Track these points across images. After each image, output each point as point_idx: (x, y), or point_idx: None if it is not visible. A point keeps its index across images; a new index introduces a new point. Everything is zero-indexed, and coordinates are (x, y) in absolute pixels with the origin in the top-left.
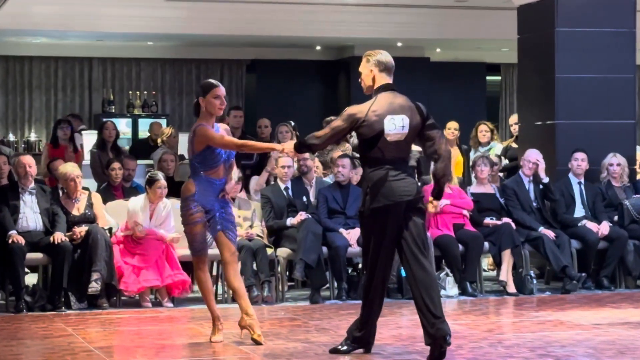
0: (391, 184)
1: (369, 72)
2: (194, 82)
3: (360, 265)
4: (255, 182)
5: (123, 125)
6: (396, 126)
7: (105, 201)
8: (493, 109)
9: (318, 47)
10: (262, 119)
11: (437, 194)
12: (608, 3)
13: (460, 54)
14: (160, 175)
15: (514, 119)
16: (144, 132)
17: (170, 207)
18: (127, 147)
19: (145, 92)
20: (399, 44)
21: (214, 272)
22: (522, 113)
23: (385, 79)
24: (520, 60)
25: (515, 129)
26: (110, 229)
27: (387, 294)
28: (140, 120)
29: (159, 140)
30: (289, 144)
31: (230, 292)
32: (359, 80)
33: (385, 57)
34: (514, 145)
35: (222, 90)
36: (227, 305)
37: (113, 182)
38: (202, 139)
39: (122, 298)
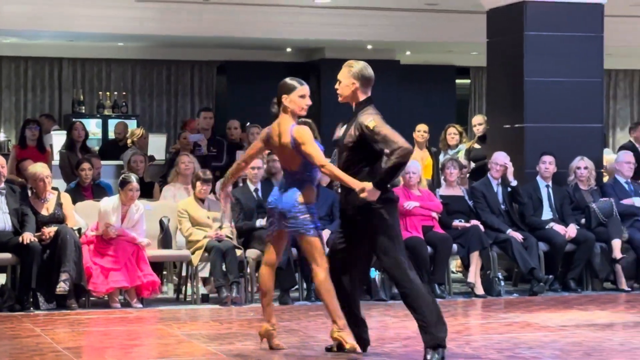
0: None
1: (351, 84)
2: (164, 83)
3: None
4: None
5: (93, 126)
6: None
7: (74, 201)
8: (462, 112)
9: (288, 49)
10: (232, 121)
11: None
12: (576, 8)
13: (430, 57)
14: (133, 177)
15: (477, 119)
16: (114, 133)
17: (143, 209)
18: (96, 148)
19: (116, 93)
20: (369, 47)
21: (183, 273)
22: (491, 116)
23: (367, 93)
24: (489, 63)
25: (478, 129)
26: (79, 230)
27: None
28: (110, 121)
29: (129, 141)
30: (368, 185)
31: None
32: (336, 86)
33: (369, 71)
34: (477, 146)
35: (307, 89)
36: (197, 306)
37: (83, 183)
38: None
39: (91, 299)
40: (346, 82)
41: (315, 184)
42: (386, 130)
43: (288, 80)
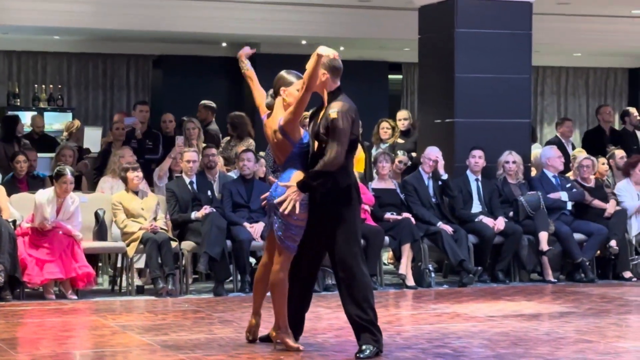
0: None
1: (322, 74)
2: (100, 76)
3: None
4: (159, 168)
5: (28, 119)
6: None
7: (9, 193)
8: (395, 107)
9: (224, 44)
10: (167, 114)
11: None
12: (506, 6)
13: (363, 53)
14: (67, 170)
15: (401, 114)
16: (49, 126)
17: (79, 202)
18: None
19: (51, 86)
20: (304, 42)
21: (118, 265)
22: (423, 111)
23: (337, 82)
24: (421, 59)
25: (403, 124)
26: (14, 222)
27: None
28: (46, 114)
29: (64, 134)
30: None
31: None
32: (304, 76)
33: (339, 62)
34: (400, 141)
35: None
36: (132, 298)
37: (18, 175)
38: None
39: (26, 290)
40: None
41: (298, 165)
42: (340, 130)
43: (285, 73)
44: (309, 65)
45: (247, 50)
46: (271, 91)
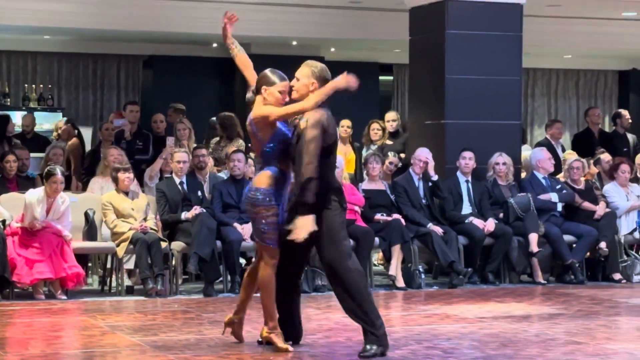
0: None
1: (311, 84)
2: (91, 76)
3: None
4: (150, 168)
5: (18, 118)
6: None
7: None
8: (385, 108)
9: (215, 45)
10: (157, 114)
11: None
12: (496, 7)
13: (354, 54)
14: (57, 170)
15: (390, 116)
16: (39, 126)
17: (69, 202)
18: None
19: (42, 86)
20: (294, 43)
21: (108, 265)
22: (413, 112)
23: None
24: (411, 61)
25: (392, 125)
26: (4, 221)
27: None
28: (36, 114)
29: (54, 134)
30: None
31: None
32: (292, 83)
33: (329, 74)
34: (389, 142)
35: (287, 85)
36: (121, 298)
37: (7, 175)
38: None
39: (15, 290)
40: (305, 82)
41: (272, 165)
42: (313, 136)
43: (270, 73)
44: (324, 91)
45: (228, 15)
46: (253, 87)
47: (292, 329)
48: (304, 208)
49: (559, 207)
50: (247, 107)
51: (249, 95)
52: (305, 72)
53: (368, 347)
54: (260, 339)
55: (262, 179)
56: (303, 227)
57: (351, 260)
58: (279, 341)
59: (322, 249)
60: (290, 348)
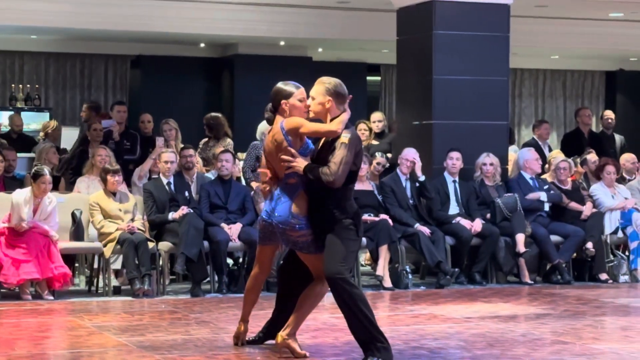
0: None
1: (327, 101)
2: (78, 76)
3: (240, 259)
4: (140, 168)
5: (5, 118)
6: None
7: None
8: (373, 108)
9: (202, 45)
10: (145, 114)
11: None
12: (484, 8)
13: (342, 54)
14: (45, 170)
15: (375, 116)
16: (26, 125)
17: (56, 202)
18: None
19: (29, 86)
20: (282, 43)
21: (95, 265)
22: (401, 113)
23: (341, 109)
24: (399, 61)
25: (377, 126)
26: None
27: (267, 288)
28: (23, 114)
29: (41, 134)
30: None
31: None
32: (307, 102)
33: (344, 88)
34: (375, 142)
35: (304, 91)
36: (108, 298)
37: None
38: None
39: (2, 290)
40: (320, 99)
41: (297, 180)
42: (346, 156)
43: (283, 85)
44: (345, 117)
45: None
46: (269, 106)
47: (274, 326)
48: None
49: (547, 207)
50: (237, 109)
51: (267, 115)
52: (320, 90)
53: (369, 359)
54: (252, 338)
55: (302, 205)
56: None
57: (348, 278)
58: (296, 347)
59: (327, 263)
60: (308, 354)
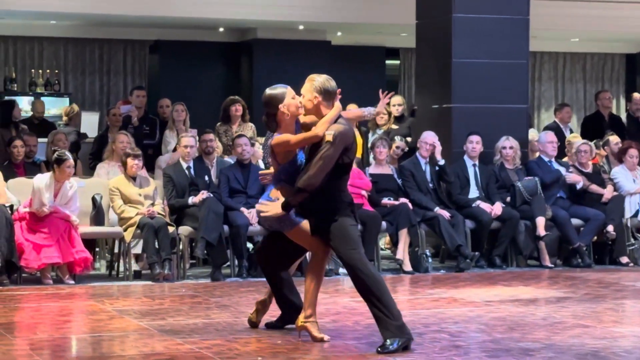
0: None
1: (314, 97)
2: (97, 61)
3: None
4: (169, 158)
5: (25, 104)
6: None
7: (6, 178)
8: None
9: (221, 29)
10: (163, 99)
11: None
12: None
13: (360, 38)
14: (68, 154)
15: (395, 100)
16: (47, 111)
17: (77, 187)
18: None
19: (48, 71)
20: (301, 27)
21: (116, 250)
22: (420, 96)
23: (331, 106)
24: (418, 45)
25: (397, 110)
26: (11, 206)
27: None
28: (42, 99)
29: (64, 119)
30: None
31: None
32: (300, 100)
33: (332, 84)
34: (394, 126)
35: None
36: (129, 282)
37: (15, 160)
38: None
39: (23, 275)
40: (309, 97)
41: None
42: (327, 155)
43: (271, 91)
44: (331, 117)
45: None
46: (264, 117)
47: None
48: (287, 207)
49: (563, 172)
50: (255, 93)
51: (268, 124)
52: (307, 88)
53: (388, 342)
54: (270, 323)
55: (279, 194)
56: (274, 208)
57: (363, 261)
58: (314, 330)
59: (343, 254)
60: (326, 338)
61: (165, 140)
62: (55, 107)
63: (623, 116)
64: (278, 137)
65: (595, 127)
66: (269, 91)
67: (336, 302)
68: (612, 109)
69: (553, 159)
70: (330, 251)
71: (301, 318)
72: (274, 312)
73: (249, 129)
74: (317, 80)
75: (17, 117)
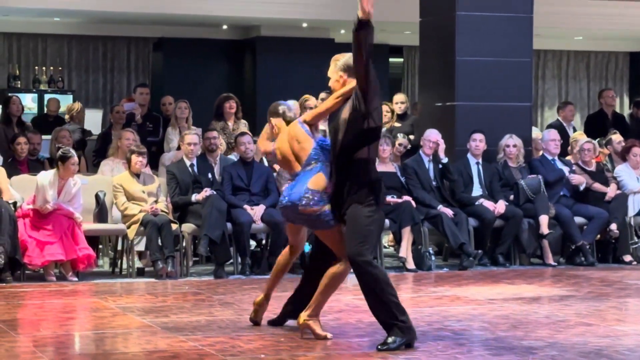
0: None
1: (339, 77)
2: (100, 58)
3: (264, 241)
4: (173, 155)
5: (29, 101)
6: None
7: (10, 175)
8: (395, 90)
9: (224, 27)
10: (166, 97)
11: None
12: None
13: None
14: (72, 152)
15: (398, 98)
16: (47, 109)
17: (80, 184)
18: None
19: (52, 68)
20: (304, 25)
21: (119, 247)
22: (423, 94)
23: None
24: (422, 43)
25: (400, 107)
26: (14, 203)
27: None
28: (46, 96)
29: (67, 116)
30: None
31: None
32: (330, 84)
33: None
34: (397, 124)
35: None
36: (132, 280)
37: (18, 157)
38: None
39: (27, 272)
40: (335, 77)
41: (326, 171)
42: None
43: (272, 108)
44: (346, 89)
45: None
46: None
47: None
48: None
49: (565, 172)
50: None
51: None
52: (332, 69)
53: (390, 339)
54: (274, 319)
55: (319, 182)
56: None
57: (369, 259)
58: (317, 328)
59: (348, 248)
60: (329, 335)
61: (167, 138)
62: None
63: (626, 114)
64: (304, 115)
65: (598, 125)
66: (277, 107)
67: (339, 300)
68: (616, 107)
69: (556, 157)
70: None
71: (304, 316)
72: (274, 309)
73: (243, 126)
74: (340, 60)
75: (15, 114)
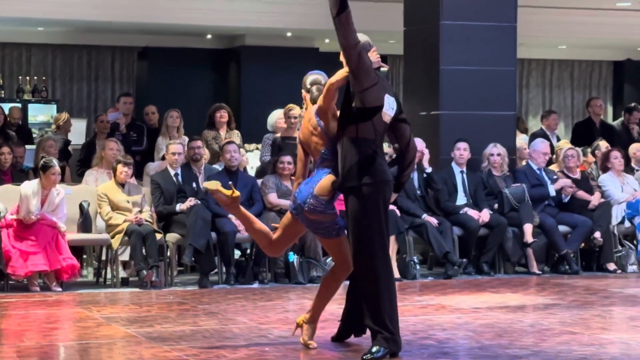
0: (382, 161)
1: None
2: (85, 68)
3: (248, 250)
4: (158, 165)
5: (15, 110)
6: (390, 106)
7: None
8: None
9: (209, 36)
10: (149, 106)
11: (397, 188)
12: None
13: None
14: (54, 162)
15: None
16: (33, 118)
17: (64, 194)
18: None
19: (36, 78)
20: (289, 34)
21: (103, 257)
22: (408, 103)
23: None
24: (406, 52)
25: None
26: None
27: (275, 279)
28: (30, 106)
29: (53, 126)
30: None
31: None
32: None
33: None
34: None
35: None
36: (116, 290)
37: (2, 167)
38: None
39: (10, 282)
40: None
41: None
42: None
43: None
44: (333, 78)
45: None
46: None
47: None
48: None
49: (552, 191)
50: (244, 100)
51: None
52: (342, 56)
53: (375, 349)
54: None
55: (326, 186)
56: None
57: (374, 259)
58: (307, 335)
59: (354, 251)
60: (313, 345)
61: (157, 147)
62: (42, 113)
63: (616, 123)
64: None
65: (586, 134)
66: (311, 77)
67: (325, 310)
68: (603, 116)
69: (542, 167)
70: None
71: (303, 318)
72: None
73: (236, 136)
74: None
75: None
